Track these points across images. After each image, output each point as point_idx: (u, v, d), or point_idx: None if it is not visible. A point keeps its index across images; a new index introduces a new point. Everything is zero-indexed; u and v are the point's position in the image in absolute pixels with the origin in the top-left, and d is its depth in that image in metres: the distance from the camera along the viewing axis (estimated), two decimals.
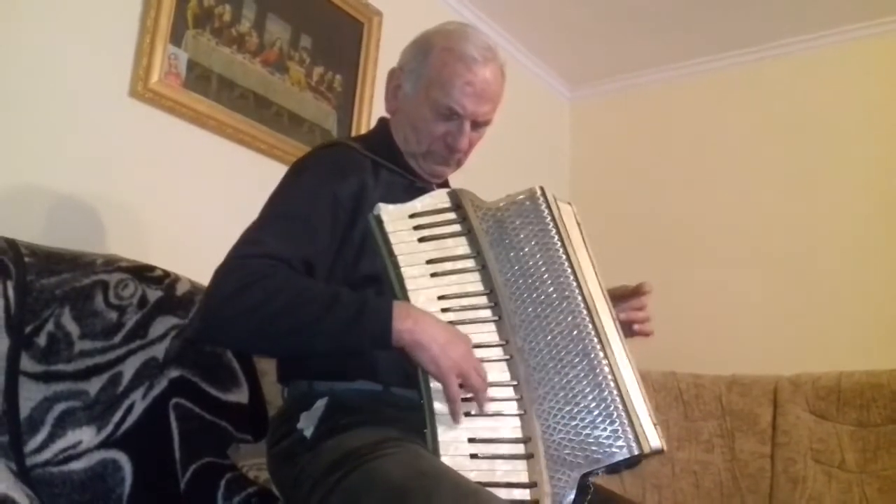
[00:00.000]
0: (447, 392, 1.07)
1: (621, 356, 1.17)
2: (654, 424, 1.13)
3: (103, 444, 1.41)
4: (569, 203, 1.31)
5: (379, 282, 1.17)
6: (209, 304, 1.12)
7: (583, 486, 1.09)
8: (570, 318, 1.14)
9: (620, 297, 1.35)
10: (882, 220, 2.79)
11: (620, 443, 1.07)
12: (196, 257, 1.53)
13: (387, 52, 2.50)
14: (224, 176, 2.12)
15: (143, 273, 1.57)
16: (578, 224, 1.30)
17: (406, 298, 1.13)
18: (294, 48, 2.34)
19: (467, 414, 1.08)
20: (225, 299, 1.09)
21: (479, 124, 1.35)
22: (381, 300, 1.11)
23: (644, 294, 1.36)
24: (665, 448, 1.14)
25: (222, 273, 1.12)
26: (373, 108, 2.49)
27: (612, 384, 1.10)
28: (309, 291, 1.11)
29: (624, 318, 1.31)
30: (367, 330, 1.08)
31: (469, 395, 1.08)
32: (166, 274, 1.62)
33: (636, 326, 1.34)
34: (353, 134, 2.44)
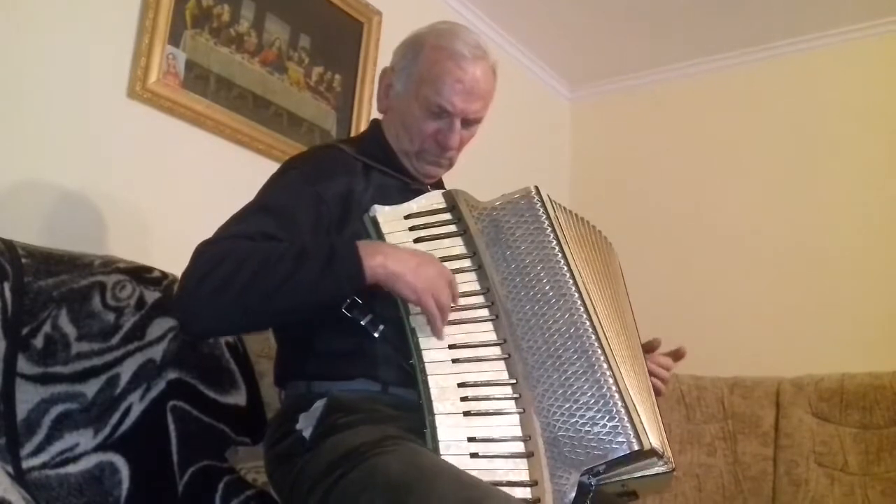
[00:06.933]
0: (425, 311, 1.10)
1: (621, 354, 1.17)
2: (660, 430, 1.14)
3: (100, 447, 1.40)
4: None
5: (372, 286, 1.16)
6: (183, 296, 1.13)
7: (585, 487, 1.08)
8: (567, 316, 1.14)
9: (650, 350, 1.38)
10: (884, 221, 2.78)
11: (620, 439, 1.06)
12: None
13: (386, 52, 2.46)
14: (222, 176, 2.11)
15: (140, 274, 1.57)
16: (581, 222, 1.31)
17: None
18: (293, 48, 2.34)
19: (466, 413, 1.07)
20: (195, 286, 1.10)
21: (469, 122, 1.35)
22: (346, 242, 1.13)
23: (679, 359, 1.41)
24: (673, 464, 1.14)
25: (189, 263, 1.12)
26: (372, 109, 2.48)
27: (610, 380, 1.10)
28: (275, 252, 1.11)
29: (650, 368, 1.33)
30: (341, 274, 1.09)
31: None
32: (164, 275, 1.61)
33: (653, 380, 1.34)
34: (353, 134, 2.43)
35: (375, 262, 1.09)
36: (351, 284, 1.10)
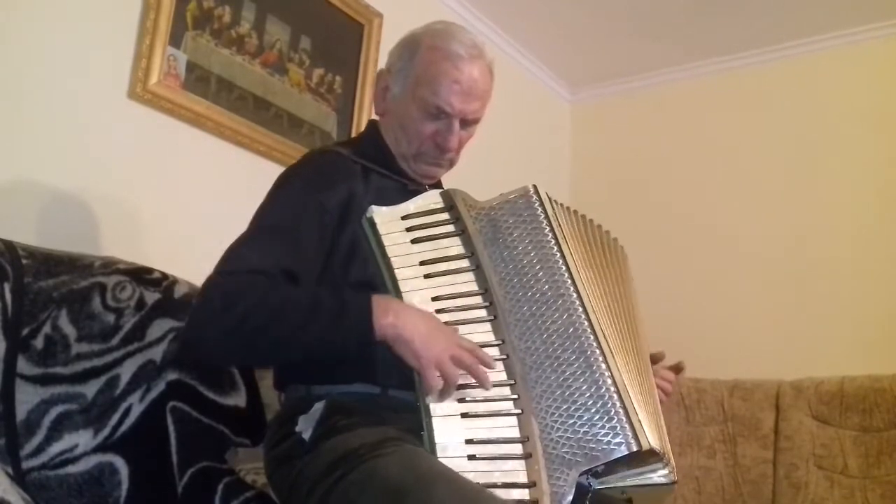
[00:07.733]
0: (424, 383, 1.08)
1: (622, 354, 1.16)
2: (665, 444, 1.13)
3: (100, 448, 1.40)
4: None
5: (370, 287, 1.16)
6: (194, 323, 1.14)
7: (583, 488, 1.08)
8: (565, 316, 1.13)
9: (654, 362, 1.37)
10: (885, 224, 2.78)
11: (618, 440, 1.06)
12: (194, 260, 1.52)
13: (387, 53, 2.49)
14: (223, 178, 2.12)
15: (140, 275, 1.56)
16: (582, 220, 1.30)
17: (400, 300, 1.13)
18: (294, 50, 2.34)
19: (464, 415, 1.07)
20: (208, 319, 1.11)
21: (468, 122, 1.35)
22: (360, 297, 1.12)
23: (678, 372, 1.40)
24: (675, 476, 1.14)
25: (206, 291, 1.13)
26: (373, 111, 2.48)
27: (609, 381, 1.09)
28: (289, 302, 1.12)
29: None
30: (351, 330, 1.10)
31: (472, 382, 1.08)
32: (164, 276, 1.61)
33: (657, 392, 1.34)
34: (353, 136, 2.43)
35: (386, 321, 1.09)
36: (359, 342, 1.10)
